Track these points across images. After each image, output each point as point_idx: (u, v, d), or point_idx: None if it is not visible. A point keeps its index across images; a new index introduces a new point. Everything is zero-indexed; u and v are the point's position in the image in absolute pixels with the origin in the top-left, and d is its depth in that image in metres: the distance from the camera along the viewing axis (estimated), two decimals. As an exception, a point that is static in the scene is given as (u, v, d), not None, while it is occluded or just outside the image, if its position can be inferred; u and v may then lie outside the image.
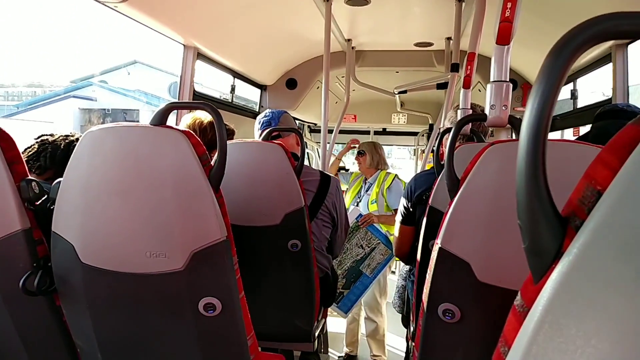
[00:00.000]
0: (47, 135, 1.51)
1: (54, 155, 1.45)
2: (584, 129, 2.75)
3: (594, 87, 2.83)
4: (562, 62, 0.35)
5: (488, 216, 0.94)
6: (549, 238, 0.37)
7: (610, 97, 2.27)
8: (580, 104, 2.82)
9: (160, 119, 1.01)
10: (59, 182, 1.04)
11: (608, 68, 2.28)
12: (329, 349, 3.34)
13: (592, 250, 0.32)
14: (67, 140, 1.49)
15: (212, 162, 1.02)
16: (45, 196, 1.08)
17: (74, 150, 1.01)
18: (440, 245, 0.99)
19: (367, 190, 3.26)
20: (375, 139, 6.21)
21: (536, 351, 0.34)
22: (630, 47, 2.18)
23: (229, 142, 1.65)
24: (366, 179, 3.33)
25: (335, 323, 3.89)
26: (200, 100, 2.55)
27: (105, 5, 1.79)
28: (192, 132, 0.99)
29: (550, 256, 0.37)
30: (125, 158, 0.99)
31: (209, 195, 0.98)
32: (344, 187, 3.42)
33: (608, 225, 0.32)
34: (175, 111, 2.42)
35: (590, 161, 0.37)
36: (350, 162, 6.08)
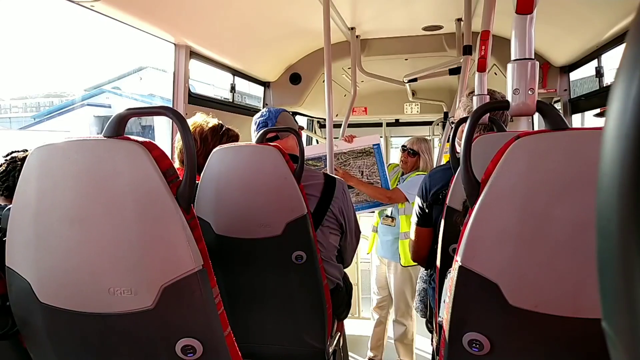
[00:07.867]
0: (18, 151, 1.37)
1: None
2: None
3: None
4: None
5: (518, 226, 0.76)
6: None
7: None
8: (607, 81, 2.56)
9: (114, 129, 0.84)
10: (9, 209, 0.90)
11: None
12: (350, 353, 3.16)
13: None
14: None
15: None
16: None
17: (21, 172, 0.87)
18: (460, 264, 0.81)
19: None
20: (388, 131, 6.00)
21: None
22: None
23: (219, 147, 1.50)
24: (403, 174, 3.08)
25: (359, 325, 3.71)
26: (194, 103, 2.42)
27: (81, 5, 1.64)
28: (153, 142, 0.83)
29: None
30: (77, 179, 0.83)
31: (178, 217, 0.81)
32: None
33: None
34: (170, 120, 2.27)
35: None
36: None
